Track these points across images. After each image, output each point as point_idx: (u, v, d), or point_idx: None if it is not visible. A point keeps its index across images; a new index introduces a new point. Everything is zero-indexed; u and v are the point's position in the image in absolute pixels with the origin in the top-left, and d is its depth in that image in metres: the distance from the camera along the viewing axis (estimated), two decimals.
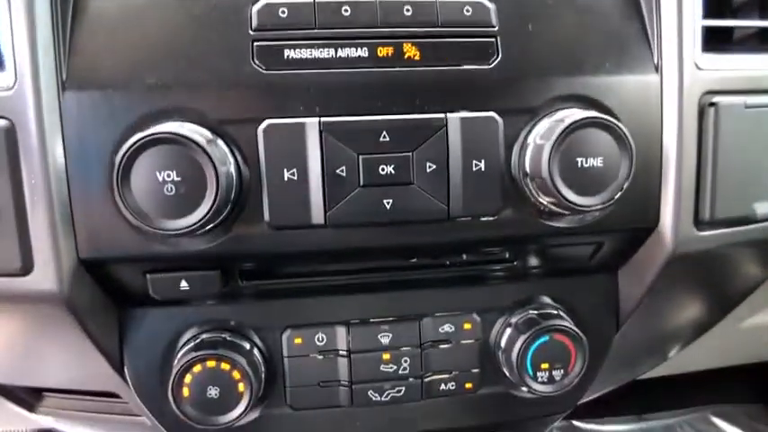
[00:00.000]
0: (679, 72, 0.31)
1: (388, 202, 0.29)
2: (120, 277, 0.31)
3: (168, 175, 0.26)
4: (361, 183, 0.29)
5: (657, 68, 0.32)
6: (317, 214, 0.29)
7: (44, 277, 0.28)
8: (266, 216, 0.28)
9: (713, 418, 1.22)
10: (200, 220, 0.26)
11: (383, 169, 0.29)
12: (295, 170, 0.28)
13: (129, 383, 0.35)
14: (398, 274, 0.35)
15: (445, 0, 0.30)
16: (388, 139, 0.29)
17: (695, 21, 0.32)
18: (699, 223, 0.33)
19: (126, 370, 0.34)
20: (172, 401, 0.32)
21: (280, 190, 0.28)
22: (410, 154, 0.29)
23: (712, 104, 0.32)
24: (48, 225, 0.27)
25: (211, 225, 0.27)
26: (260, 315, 0.34)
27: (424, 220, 0.30)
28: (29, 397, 0.46)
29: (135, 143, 0.25)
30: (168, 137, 0.25)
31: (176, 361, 0.32)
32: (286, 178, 0.28)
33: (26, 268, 0.28)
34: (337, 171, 0.28)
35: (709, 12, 0.32)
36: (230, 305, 0.34)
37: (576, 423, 1.16)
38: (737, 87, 0.32)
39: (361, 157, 0.29)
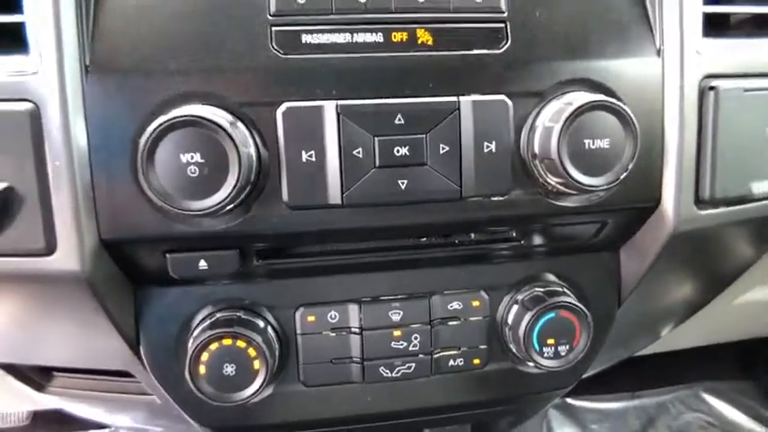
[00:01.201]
0: (680, 57, 0.32)
1: (402, 183, 0.30)
2: (138, 257, 0.31)
3: (192, 157, 0.26)
4: (377, 164, 0.30)
5: (659, 53, 0.33)
6: (334, 194, 0.29)
7: (67, 257, 0.28)
8: (284, 196, 0.29)
9: (704, 395, 1.25)
10: (222, 201, 0.27)
11: (398, 151, 0.30)
12: (313, 152, 0.29)
13: (144, 361, 0.36)
14: (409, 252, 0.36)
15: None
16: (402, 121, 0.29)
17: (696, 7, 0.32)
18: (699, 202, 0.34)
19: (141, 348, 0.35)
20: (188, 379, 0.33)
21: (298, 171, 0.29)
22: (424, 136, 0.30)
23: (712, 88, 0.33)
24: (71, 206, 0.28)
25: (232, 206, 0.28)
26: (274, 294, 0.35)
27: (437, 199, 0.31)
28: (38, 376, 0.46)
29: (160, 125, 0.26)
30: (193, 119, 0.26)
31: (192, 339, 0.33)
32: (304, 159, 0.29)
33: (49, 248, 0.28)
34: (354, 153, 0.29)
35: None
36: (245, 284, 0.35)
37: (569, 401, 1.19)
38: (736, 71, 0.33)
39: (376, 138, 0.29)
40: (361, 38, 0.29)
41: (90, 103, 0.28)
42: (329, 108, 0.29)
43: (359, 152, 0.29)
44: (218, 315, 0.34)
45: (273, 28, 0.29)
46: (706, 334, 0.68)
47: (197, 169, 0.26)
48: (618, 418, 1.21)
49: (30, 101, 0.27)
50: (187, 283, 0.34)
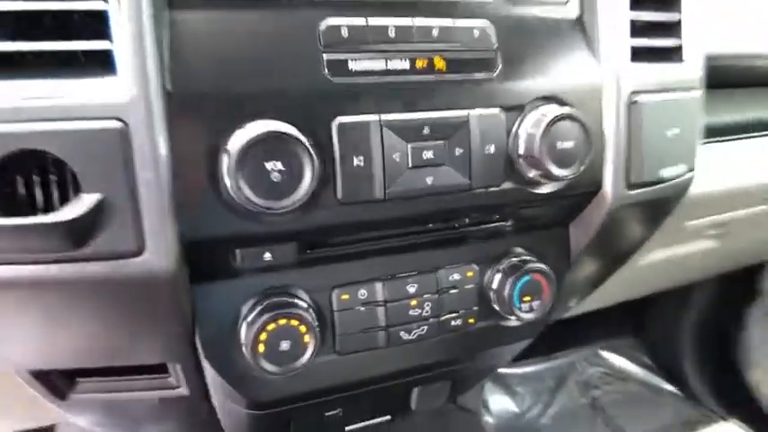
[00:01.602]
0: (615, 79, 0.44)
1: (429, 179, 0.38)
2: (208, 254, 0.35)
3: (275, 165, 0.31)
4: (409, 165, 0.37)
5: (602, 75, 0.43)
6: (379, 191, 0.36)
7: (154, 257, 0.32)
8: (339, 194, 0.35)
9: (601, 352, 1.48)
10: (298, 200, 0.32)
11: (425, 154, 0.37)
12: (362, 157, 0.35)
13: (201, 349, 0.39)
14: (419, 237, 0.43)
15: (461, 25, 0.38)
16: (428, 131, 0.37)
17: (625, 41, 0.44)
18: (629, 186, 0.46)
19: (198, 337, 0.39)
20: (250, 357, 0.38)
21: (350, 173, 0.35)
22: (444, 142, 0.38)
23: (635, 102, 0.45)
24: (157, 212, 0.31)
25: (300, 204, 0.33)
26: (312, 278, 0.41)
27: (454, 191, 0.39)
28: (63, 383, 0.47)
29: (252, 139, 0.30)
30: (279, 134, 0.31)
31: (248, 324, 0.38)
32: (355, 164, 0.35)
33: (138, 250, 0.31)
34: (392, 156, 0.36)
35: (634, 33, 0.44)
36: (287, 272, 0.40)
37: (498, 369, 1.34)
38: (652, 89, 0.45)
39: (409, 145, 0.37)
40: (392, 64, 0.36)
41: (171, 121, 0.31)
42: (374, 122, 0.35)
43: (396, 156, 0.36)
44: (268, 301, 0.38)
45: (325, 56, 0.35)
46: (604, 297, 0.79)
47: (279, 175, 0.32)
48: (536, 379, 1.39)
49: (120, 119, 0.30)
50: (236, 276, 0.38)
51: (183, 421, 0.60)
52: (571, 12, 0.44)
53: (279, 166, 0.32)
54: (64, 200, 0.31)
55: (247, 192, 0.31)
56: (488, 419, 1.07)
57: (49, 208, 0.31)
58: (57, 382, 0.46)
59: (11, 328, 0.37)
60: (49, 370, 0.45)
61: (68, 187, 0.31)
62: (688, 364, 1.36)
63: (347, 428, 0.60)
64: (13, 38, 0.29)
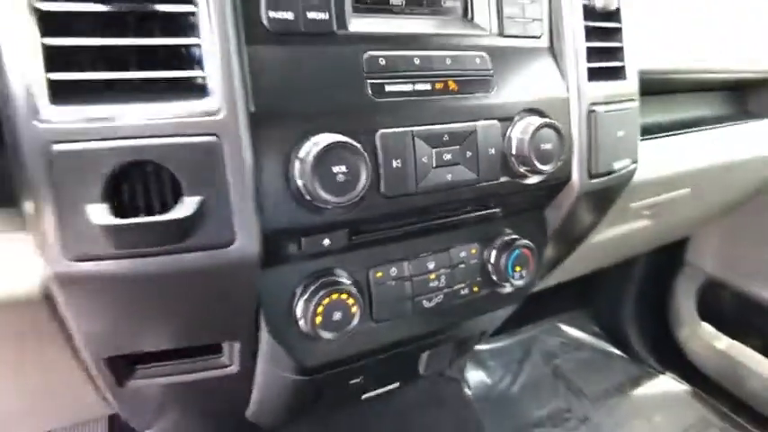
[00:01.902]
0: (577, 94, 0.54)
1: (448, 176, 0.46)
2: (280, 242, 0.42)
3: (339, 168, 0.39)
4: (434, 165, 0.46)
5: (568, 91, 0.54)
6: (412, 186, 0.45)
7: (243, 246, 0.38)
8: (382, 190, 0.43)
9: (559, 324, 1.63)
10: (356, 196, 0.40)
11: (445, 156, 0.46)
12: (400, 160, 0.43)
13: (264, 325, 0.46)
14: (435, 224, 0.52)
15: (466, 55, 0.48)
16: (447, 139, 0.46)
17: (583, 65, 0.55)
18: (590, 176, 0.57)
19: (262, 315, 0.46)
20: (309, 328, 0.45)
21: (391, 173, 0.43)
22: (459, 147, 0.47)
23: (593, 111, 0.56)
24: (245, 209, 0.38)
25: (356, 199, 0.41)
26: (352, 261, 0.49)
27: (466, 185, 0.48)
28: (125, 371, 0.51)
29: (323, 148, 0.38)
30: (344, 143, 0.39)
31: (304, 301, 0.45)
32: (394, 165, 0.43)
33: (230, 241, 0.38)
34: (422, 159, 0.45)
35: (589, 58, 0.55)
36: (332, 257, 0.48)
37: None
38: (604, 101, 0.56)
39: (434, 150, 0.45)
40: (418, 87, 0.45)
41: (253, 135, 0.38)
42: (407, 132, 0.44)
43: (425, 158, 0.45)
44: (321, 280, 0.46)
45: (368, 80, 0.43)
46: (564, 273, 0.88)
47: (342, 176, 0.39)
48: (505, 352, 1.52)
49: (214, 134, 0.37)
50: (290, 262, 0.46)
51: (211, 405, 0.65)
52: (544, 42, 0.54)
53: (342, 168, 0.39)
54: (163, 203, 0.37)
55: (320, 190, 0.39)
56: (467, 391, 1.17)
57: (150, 211, 0.37)
58: (120, 370, 0.50)
59: (104, 318, 0.42)
60: (118, 356, 0.49)
61: (167, 193, 0.37)
62: (630, 329, 1.53)
63: (363, 396, 0.68)
64: (129, 68, 0.36)
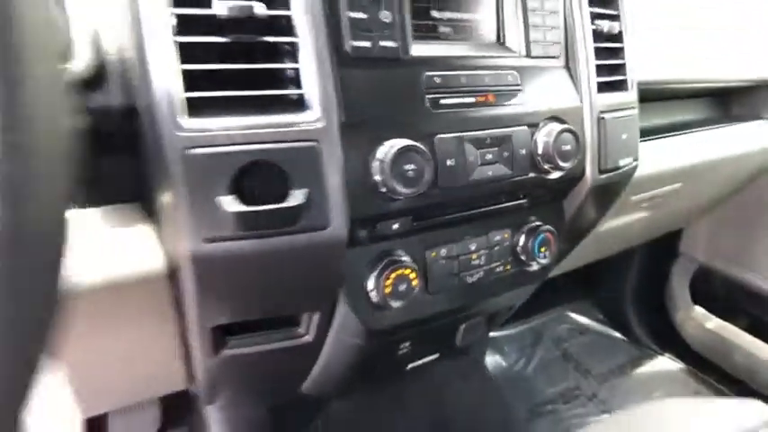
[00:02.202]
0: (589, 104, 0.63)
1: (490, 172, 0.55)
2: (360, 227, 0.51)
3: (409, 166, 0.47)
4: (479, 163, 0.54)
5: (582, 102, 0.63)
6: (462, 180, 0.53)
7: (335, 230, 0.46)
8: (439, 183, 0.51)
9: (568, 312, 1.71)
10: (422, 188, 0.48)
11: (487, 156, 0.54)
12: (454, 159, 0.52)
13: (344, 297, 0.54)
14: (474, 212, 0.60)
15: (501, 72, 0.56)
16: (489, 141, 0.54)
17: (594, 79, 0.63)
18: (600, 171, 0.65)
19: (344, 287, 0.54)
20: (380, 298, 0.53)
21: (446, 170, 0.51)
22: (497, 148, 0.55)
23: (602, 118, 0.64)
24: (338, 198, 0.46)
25: (422, 191, 0.49)
26: (410, 244, 0.56)
27: (504, 179, 0.56)
28: (220, 341, 0.57)
29: (399, 150, 0.46)
30: (414, 146, 0.47)
31: (375, 276, 0.53)
32: (448, 164, 0.52)
33: (326, 226, 0.46)
34: (470, 158, 0.53)
35: (598, 74, 0.64)
36: (395, 241, 0.56)
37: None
38: (611, 109, 0.65)
39: (478, 151, 0.54)
40: (465, 99, 0.53)
41: (343, 141, 0.46)
42: (459, 137, 0.52)
43: (471, 158, 0.53)
44: (389, 258, 0.54)
45: (427, 96, 0.51)
46: (572, 261, 0.94)
47: (412, 172, 0.48)
48: (519, 338, 1.60)
49: (315, 140, 0.44)
50: (363, 244, 0.54)
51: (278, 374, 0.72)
52: (561, 62, 0.63)
53: (412, 166, 0.48)
54: (275, 196, 0.45)
55: (394, 184, 0.47)
56: (488, 371, 1.25)
57: (266, 201, 0.45)
58: (218, 339, 0.56)
59: (223, 290, 0.50)
60: (219, 326, 0.57)
61: (277, 187, 0.45)
62: (631, 315, 1.61)
63: (408, 366, 0.76)
64: (247, 87, 0.44)
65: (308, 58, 0.45)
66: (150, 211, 0.50)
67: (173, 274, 0.48)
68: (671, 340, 1.52)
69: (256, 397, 0.81)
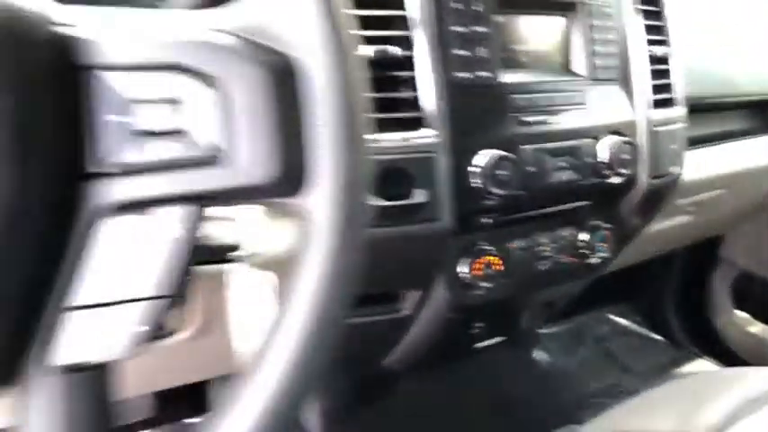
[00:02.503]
0: (644, 119, 0.74)
1: (563, 177, 0.66)
2: (462, 219, 0.63)
3: (502, 172, 0.60)
4: (554, 169, 0.65)
5: (637, 117, 0.74)
6: (541, 183, 0.64)
7: (444, 222, 0.58)
8: (522, 185, 0.63)
9: (607, 314, 1.79)
10: (513, 188, 0.61)
11: (560, 164, 0.66)
12: (534, 166, 0.64)
13: (444, 276, 0.67)
14: (546, 211, 0.72)
15: (570, 93, 0.68)
16: (561, 151, 0.66)
17: (649, 98, 0.75)
18: (652, 178, 0.76)
19: (443, 270, 0.66)
20: (471, 279, 0.65)
21: (528, 175, 0.63)
22: (569, 156, 0.66)
23: (655, 131, 0.75)
24: (446, 198, 0.58)
25: (511, 192, 0.62)
26: (494, 236, 0.69)
27: (573, 183, 0.68)
28: None
29: (493, 159, 0.59)
30: (505, 156, 0.59)
31: (468, 262, 0.66)
32: (530, 170, 0.64)
33: (436, 218, 0.58)
34: (547, 165, 0.65)
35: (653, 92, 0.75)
36: (481, 233, 0.68)
37: None
38: (662, 123, 0.76)
39: (554, 159, 0.65)
40: (543, 117, 0.66)
41: (451, 151, 0.59)
42: (539, 148, 0.64)
43: (548, 164, 0.65)
44: (479, 246, 0.67)
45: (512, 114, 0.64)
46: (622, 260, 1.01)
47: (504, 177, 0.60)
48: (561, 337, 1.69)
49: (434, 152, 0.57)
50: (462, 233, 0.66)
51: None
52: (619, 83, 0.74)
53: (503, 172, 0.60)
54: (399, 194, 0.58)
55: (493, 187, 0.59)
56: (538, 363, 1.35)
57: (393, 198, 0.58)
58: None
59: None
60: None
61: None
62: (671, 319, 1.68)
63: (478, 344, 0.88)
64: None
65: (426, 87, 0.58)
66: None
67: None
68: (712, 344, 1.58)
69: (341, 370, 0.94)
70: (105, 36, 0.22)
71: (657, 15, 0.79)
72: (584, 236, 0.76)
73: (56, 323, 0.23)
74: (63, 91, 0.22)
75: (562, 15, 0.70)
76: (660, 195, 0.84)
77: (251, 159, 0.24)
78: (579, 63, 0.71)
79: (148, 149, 0.23)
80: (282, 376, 0.25)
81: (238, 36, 0.24)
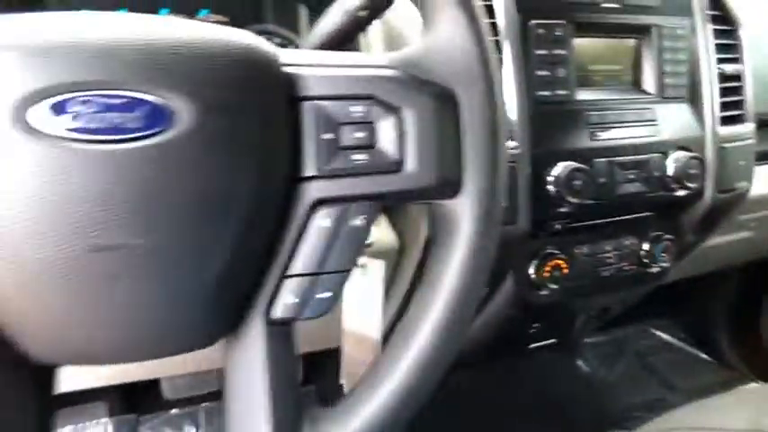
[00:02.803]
0: (712, 136, 0.78)
1: (632, 188, 0.71)
2: (537, 224, 0.69)
3: (576, 182, 0.65)
4: (624, 182, 0.71)
5: (705, 133, 0.78)
6: (612, 194, 0.69)
7: (522, 225, 0.65)
8: (594, 195, 0.69)
9: (650, 329, 1.78)
10: (586, 198, 0.66)
11: (629, 176, 0.71)
12: (605, 177, 0.69)
13: (511, 276, 0.73)
14: (612, 220, 0.77)
15: (640, 110, 0.73)
16: (631, 165, 0.71)
17: (717, 115, 0.78)
18: (718, 192, 0.80)
19: (512, 270, 0.72)
20: (539, 280, 0.71)
21: (600, 185, 0.69)
22: (638, 170, 0.71)
23: (723, 147, 0.79)
24: (525, 204, 0.65)
25: (584, 201, 0.67)
26: (560, 242, 0.74)
27: (641, 195, 0.72)
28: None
29: (569, 170, 0.65)
30: (580, 168, 0.65)
31: (537, 264, 0.71)
32: (601, 181, 0.69)
33: (514, 221, 0.65)
34: (617, 177, 0.70)
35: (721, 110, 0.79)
36: (555, 237, 0.74)
37: None
38: (730, 140, 0.79)
39: (624, 171, 0.71)
40: (615, 133, 0.71)
41: (531, 162, 0.66)
42: (611, 161, 0.69)
43: (619, 177, 0.70)
44: (548, 250, 0.72)
45: (587, 129, 0.69)
46: (678, 272, 1.03)
47: (578, 186, 0.66)
48: (600, 348, 1.70)
49: (514, 162, 0.63)
50: (533, 237, 0.72)
51: None
52: (688, 100, 0.78)
53: (577, 182, 0.66)
54: None
55: (567, 196, 0.65)
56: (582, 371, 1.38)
57: None
58: None
59: None
60: None
61: None
62: (721, 337, 1.66)
63: (532, 345, 0.93)
64: None
65: (510, 104, 0.64)
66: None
67: (401, 251, 0.69)
68: (764, 365, 1.56)
69: None
70: (320, 74, 0.29)
71: (730, 34, 0.83)
72: (646, 245, 0.80)
73: (276, 286, 0.30)
74: (290, 115, 0.28)
75: (635, 38, 0.75)
76: (724, 210, 0.87)
77: (420, 169, 0.31)
78: (649, 82, 0.76)
79: (349, 160, 0.29)
80: (430, 348, 0.31)
81: (412, 73, 0.31)
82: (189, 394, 1.06)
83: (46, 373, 0.30)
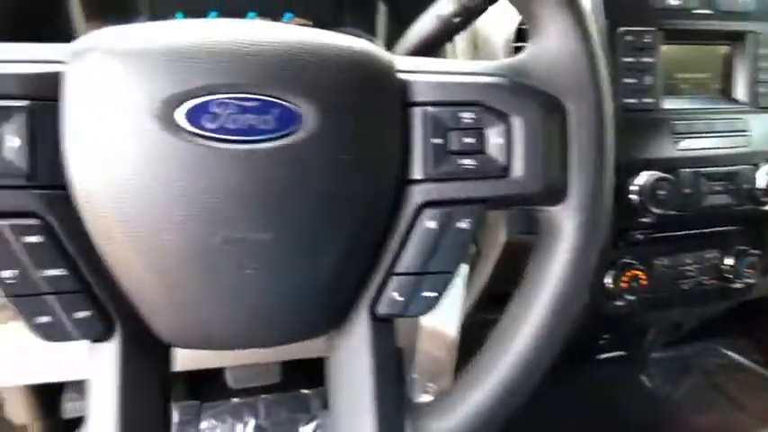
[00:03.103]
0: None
1: (717, 200, 0.70)
2: (619, 234, 0.69)
3: (661, 192, 0.65)
4: (711, 192, 0.69)
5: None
6: (697, 205, 0.68)
7: None
8: (678, 206, 0.68)
9: (718, 347, 1.70)
10: (668, 210, 0.66)
11: (716, 188, 0.69)
12: (690, 188, 0.68)
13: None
14: (694, 232, 0.75)
15: (730, 120, 0.71)
16: (719, 176, 0.69)
17: None
18: None
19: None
20: (616, 291, 0.71)
21: (685, 196, 0.68)
22: (726, 182, 0.70)
23: None
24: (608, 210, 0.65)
25: (668, 212, 0.66)
26: (644, 251, 0.73)
27: (727, 207, 0.70)
28: None
29: (653, 179, 0.64)
30: (664, 177, 0.65)
31: (614, 274, 0.71)
32: (687, 192, 0.68)
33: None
34: (703, 189, 0.69)
35: None
36: (635, 247, 0.73)
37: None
38: None
39: (710, 183, 0.69)
40: (702, 142, 0.70)
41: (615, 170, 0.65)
42: (697, 171, 0.68)
43: (705, 188, 0.69)
44: (626, 260, 0.72)
45: (673, 139, 0.68)
46: None
47: (662, 197, 0.65)
48: (664, 364, 1.63)
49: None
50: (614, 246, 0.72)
51: None
52: None
53: (662, 192, 0.65)
54: None
55: (651, 206, 0.64)
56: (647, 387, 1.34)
57: None
58: None
59: None
60: None
61: None
62: None
63: (600, 356, 0.92)
64: None
65: None
66: None
67: (477, 254, 0.70)
68: None
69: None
70: (431, 80, 0.31)
71: None
72: (729, 260, 0.77)
73: (382, 283, 0.31)
74: (402, 120, 0.30)
75: (728, 45, 0.73)
76: None
77: (527, 175, 0.32)
78: (742, 90, 0.74)
79: (457, 164, 0.30)
80: (529, 350, 0.33)
81: (520, 81, 0.32)
82: (250, 384, 1.12)
83: (165, 352, 0.32)
